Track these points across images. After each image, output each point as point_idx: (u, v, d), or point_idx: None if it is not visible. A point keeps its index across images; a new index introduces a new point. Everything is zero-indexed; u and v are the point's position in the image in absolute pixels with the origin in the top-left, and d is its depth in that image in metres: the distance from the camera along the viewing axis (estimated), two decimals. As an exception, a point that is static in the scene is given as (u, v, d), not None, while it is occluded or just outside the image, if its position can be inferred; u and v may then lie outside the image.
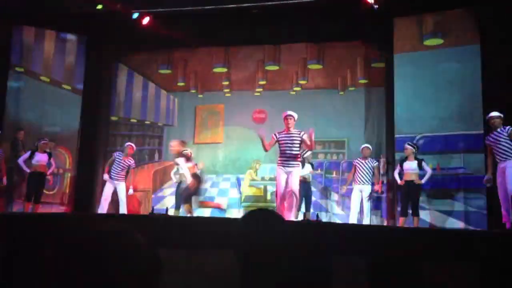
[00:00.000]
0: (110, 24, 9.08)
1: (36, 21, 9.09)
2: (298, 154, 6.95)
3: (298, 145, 6.95)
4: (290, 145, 6.92)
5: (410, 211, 7.54)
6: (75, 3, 8.20)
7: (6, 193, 8.60)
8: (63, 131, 9.31)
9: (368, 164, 8.14)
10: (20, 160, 8.21)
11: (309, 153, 8.24)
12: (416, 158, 7.62)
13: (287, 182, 6.78)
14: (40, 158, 8.17)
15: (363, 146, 8.30)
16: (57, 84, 9.50)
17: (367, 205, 8.11)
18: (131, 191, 8.72)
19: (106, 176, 8.55)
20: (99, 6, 8.40)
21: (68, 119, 9.39)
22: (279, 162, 6.98)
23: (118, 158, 8.56)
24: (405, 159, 7.70)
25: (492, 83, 7.41)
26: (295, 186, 6.77)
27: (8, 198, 8.64)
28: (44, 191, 8.54)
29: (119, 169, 8.55)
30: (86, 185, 9.35)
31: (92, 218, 5.93)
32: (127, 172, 8.69)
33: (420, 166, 7.57)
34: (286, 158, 6.91)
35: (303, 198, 8.07)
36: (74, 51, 9.66)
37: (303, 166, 8.00)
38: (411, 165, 7.62)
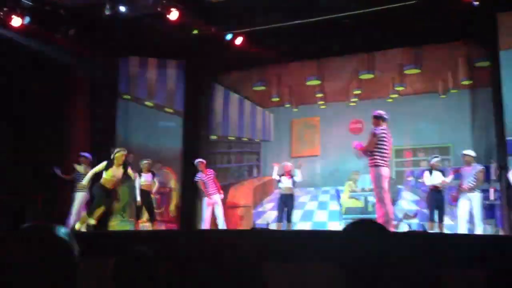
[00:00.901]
0: (205, 47, 9.49)
1: (139, 50, 9.78)
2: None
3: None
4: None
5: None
6: (173, 30, 8.67)
7: (120, 212, 9.25)
8: (168, 151, 9.84)
9: (473, 170, 7.57)
10: (136, 184, 8.56)
11: (436, 159, 7.87)
12: None
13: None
14: (146, 178, 8.62)
15: (463, 152, 7.72)
16: (160, 108, 10.10)
17: (478, 214, 7.52)
18: (221, 195, 8.89)
19: (207, 200, 8.77)
20: (195, 31, 8.82)
21: (171, 140, 9.92)
22: (385, 160, 6.20)
23: (200, 179, 8.77)
24: None
25: None
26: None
27: (122, 217, 9.29)
28: (154, 209, 9.03)
29: (207, 185, 8.74)
30: (191, 203, 9.75)
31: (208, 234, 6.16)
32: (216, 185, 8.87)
33: None
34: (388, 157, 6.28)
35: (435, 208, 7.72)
36: (174, 76, 10.24)
37: (431, 173, 7.72)
38: None
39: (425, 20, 8.09)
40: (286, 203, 8.55)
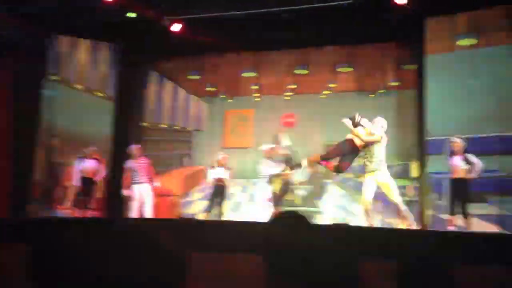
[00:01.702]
0: (142, 32, 9.23)
1: (70, 30, 9.34)
2: None
3: None
4: None
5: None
6: (107, 12, 8.36)
7: (41, 199, 8.84)
8: (96, 137, 9.51)
9: None
10: (75, 169, 8.47)
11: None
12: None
13: None
14: (89, 164, 8.37)
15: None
16: (90, 91, 9.72)
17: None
18: (156, 183, 8.79)
19: (125, 192, 8.68)
20: (131, 14, 8.55)
21: (101, 125, 9.59)
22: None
23: (131, 165, 8.65)
24: (451, 154, 7.50)
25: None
26: None
27: (45, 203, 8.88)
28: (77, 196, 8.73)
29: (138, 172, 8.63)
30: (119, 191, 9.49)
31: (131, 222, 6.01)
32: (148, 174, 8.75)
33: (466, 161, 7.34)
34: None
35: None
36: (107, 59, 9.88)
37: None
38: (457, 161, 7.41)
39: (359, 20, 8.35)
40: (218, 194, 8.58)
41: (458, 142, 7.45)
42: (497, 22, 7.77)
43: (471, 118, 7.70)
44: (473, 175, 7.32)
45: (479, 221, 7.46)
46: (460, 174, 7.39)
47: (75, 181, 8.40)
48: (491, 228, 7.30)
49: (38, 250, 2.02)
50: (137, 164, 8.63)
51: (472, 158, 7.34)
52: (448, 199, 7.61)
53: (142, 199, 8.62)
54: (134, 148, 8.71)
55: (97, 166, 8.58)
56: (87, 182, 8.45)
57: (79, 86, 9.66)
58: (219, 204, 8.59)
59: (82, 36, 9.63)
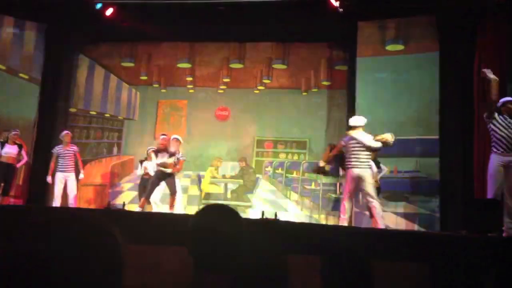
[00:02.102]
0: (72, 13, 8.83)
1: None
2: None
3: None
4: None
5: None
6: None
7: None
8: (19, 121, 9.00)
9: None
10: None
11: None
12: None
13: None
14: (10, 149, 7.95)
15: None
16: (13, 72, 9.17)
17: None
18: (81, 175, 8.50)
19: (49, 178, 8.34)
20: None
21: (24, 109, 9.10)
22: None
23: (59, 151, 8.33)
24: None
25: (448, 90, 7.65)
26: None
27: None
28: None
29: (65, 160, 8.31)
30: (41, 177, 9.06)
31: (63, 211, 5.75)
32: (75, 162, 8.46)
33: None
34: None
35: None
36: (33, 40, 9.35)
37: None
38: None
39: (294, 18, 8.49)
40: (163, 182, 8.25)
41: None
42: (424, 30, 8.19)
43: (396, 121, 8.08)
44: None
45: (399, 218, 7.86)
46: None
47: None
48: (410, 225, 7.73)
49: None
50: (65, 151, 8.29)
51: (382, 165, 7.65)
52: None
53: (66, 187, 8.29)
54: (65, 135, 8.34)
55: (19, 152, 8.11)
56: (8, 168, 7.98)
57: (1, 66, 9.09)
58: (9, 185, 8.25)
59: (7, 13, 9.07)
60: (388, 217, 7.87)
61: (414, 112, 8.05)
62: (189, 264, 1.57)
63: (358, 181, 6.31)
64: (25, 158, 8.33)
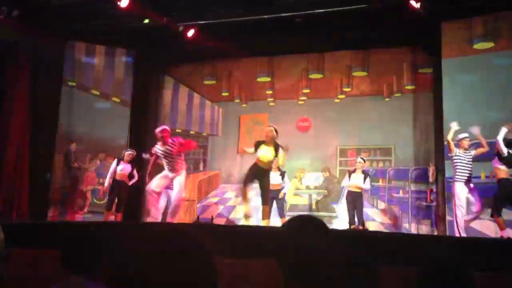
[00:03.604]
0: (156, 38, 9.32)
1: (86, 37, 9.46)
2: None
3: None
4: None
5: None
6: (123, 18, 8.46)
7: (60, 203, 8.96)
8: (113, 142, 9.60)
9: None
10: (111, 170, 8.35)
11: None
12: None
13: None
14: (124, 167, 8.36)
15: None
16: (107, 96, 9.83)
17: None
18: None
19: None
20: (146, 21, 8.64)
21: (117, 130, 9.68)
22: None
23: (158, 150, 7.13)
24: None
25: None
26: None
27: (62, 207, 8.99)
28: (95, 201, 8.82)
29: (168, 160, 7.12)
30: (135, 195, 9.54)
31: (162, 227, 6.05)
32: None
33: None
34: None
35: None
36: (123, 65, 9.99)
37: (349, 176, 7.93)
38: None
39: (374, 24, 8.32)
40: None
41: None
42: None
43: (490, 122, 7.58)
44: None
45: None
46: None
47: (107, 183, 8.28)
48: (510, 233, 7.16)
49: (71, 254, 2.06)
50: (164, 149, 7.15)
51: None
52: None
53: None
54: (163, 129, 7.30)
55: (132, 170, 8.46)
56: (121, 185, 8.35)
57: (95, 92, 9.78)
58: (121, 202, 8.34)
59: (98, 43, 9.76)
60: (487, 226, 7.36)
61: (510, 112, 7.50)
62: (278, 276, 1.57)
63: None
64: (136, 177, 8.57)
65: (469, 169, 7.04)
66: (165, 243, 0.92)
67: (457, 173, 7.08)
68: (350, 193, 7.93)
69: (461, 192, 7.04)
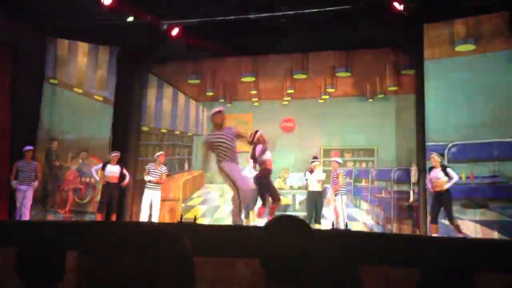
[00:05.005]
0: (140, 36, 9.24)
1: (69, 33, 9.34)
2: None
3: None
4: None
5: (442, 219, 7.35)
6: (107, 16, 8.38)
7: (41, 202, 8.83)
8: (95, 141, 9.49)
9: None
10: (93, 169, 8.61)
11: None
12: (441, 166, 7.42)
13: None
14: (112, 169, 8.36)
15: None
16: (89, 95, 9.71)
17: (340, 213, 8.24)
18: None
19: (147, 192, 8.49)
20: (130, 19, 8.57)
21: (100, 129, 9.57)
22: None
23: (151, 169, 8.51)
24: (431, 168, 7.51)
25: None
26: None
27: (43, 206, 8.87)
28: (77, 200, 8.73)
29: (156, 178, 8.47)
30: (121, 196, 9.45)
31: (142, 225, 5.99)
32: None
33: (445, 173, 7.36)
34: None
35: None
36: (106, 63, 9.87)
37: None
38: (437, 174, 7.41)
39: (357, 25, 8.37)
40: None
41: (436, 157, 7.46)
42: (495, 28, 7.79)
43: (471, 124, 7.71)
44: (445, 187, 7.31)
45: (478, 226, 7.44)
46: (441, 186, 7.35)
47: (99, 185, 8.43)
48: (491, 233, 7.29)
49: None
50: (156, 170, 8.51)
51: (451, 172, 7.33)
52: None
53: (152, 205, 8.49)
54: (161, 155, 8.74)
55: (121, 171, 8.46)
56: (113, 187, 8.36)
57: (78, 90, 9.65)
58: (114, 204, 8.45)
59: (81, 40, 9.65)
60: (466, 225, 7.49)
61: (490, 114, 7.62)
62: (261, 276, 1.57)
63: None
64: (127, 177, 8.57)
65: None
66: (143, 243, 0.91)
67: None
68: (311, 193, 8.20)
69: None
